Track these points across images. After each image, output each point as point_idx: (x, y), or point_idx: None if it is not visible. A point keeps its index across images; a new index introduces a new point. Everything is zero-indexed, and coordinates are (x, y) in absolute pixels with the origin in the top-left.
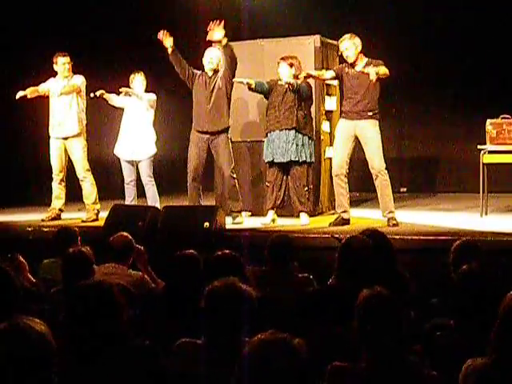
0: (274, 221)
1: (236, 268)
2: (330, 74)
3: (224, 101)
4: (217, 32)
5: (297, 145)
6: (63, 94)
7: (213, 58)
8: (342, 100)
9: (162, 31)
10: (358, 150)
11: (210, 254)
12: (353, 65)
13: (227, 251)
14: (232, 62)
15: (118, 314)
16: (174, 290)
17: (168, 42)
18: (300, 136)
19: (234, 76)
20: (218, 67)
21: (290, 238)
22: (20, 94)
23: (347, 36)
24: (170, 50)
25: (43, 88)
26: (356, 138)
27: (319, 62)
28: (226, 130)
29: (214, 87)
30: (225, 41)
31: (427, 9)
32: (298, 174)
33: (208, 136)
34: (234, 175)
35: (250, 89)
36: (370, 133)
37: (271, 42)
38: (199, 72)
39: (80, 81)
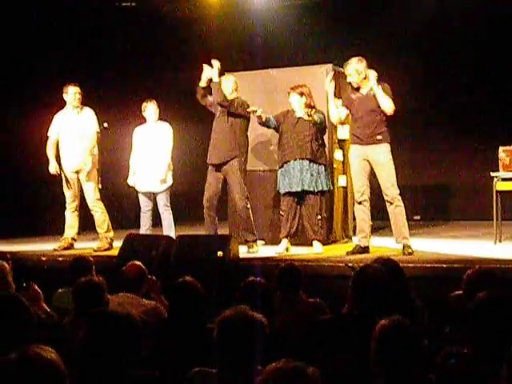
0: (287, 249)
1: (264, 295)
2: (343, 112)
3: (232, 132)
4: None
5: (311, 174)
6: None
7: (223, 87)
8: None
9: (215, 61)
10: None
11: (240, 282)
12: (358, 88)
13: (256, 279)
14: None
15: (137, 346)
16: (176, 318)
17: (209, 73)
18: (315, 166)
19: (248, 115)
20: (231, 96)
21: (298, 267)
22: (52, 168)
23: (353, 60)
24: (204, 83)
25: (54, 136)
26: (369, 162)
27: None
28: (233, 159)
29: (221, 116)
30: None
31: (439, 35)
32: (311, 202)
33: (216, 168)
34: (248, 206)
35: (259, 123)
36: (382, 159)
37: (283, 71)
38: None
39: (94, 128)
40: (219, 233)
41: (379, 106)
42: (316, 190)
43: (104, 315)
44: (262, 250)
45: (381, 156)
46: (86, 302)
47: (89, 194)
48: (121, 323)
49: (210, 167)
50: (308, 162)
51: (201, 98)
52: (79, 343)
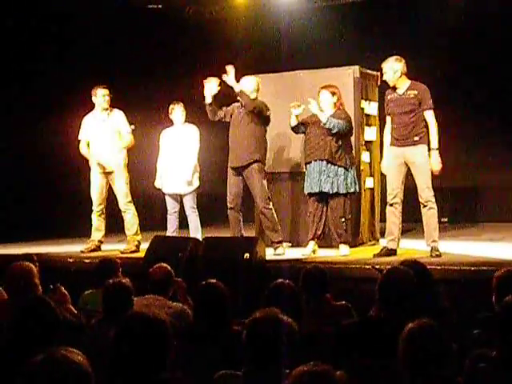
0: (314, 252)
1: (291, 298)
2: (389, 120)
3: (252, 134)
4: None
5: (328, 176)
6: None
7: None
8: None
9: (212, 78)
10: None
11: (266, 284)
12: (395, 88)
13: (285, 281)
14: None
15: (168, 349)
16: (201, 320)
17: (210, 90)
18: (333, 167)
19: (267, 118)
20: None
21: (323, 269)
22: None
23: (390, 59)
24: (208, 100)
25: (84, 138)
26: (406, 164)
27: (358, 93)
28: (254, 163)
29: (244, 120)
30: (237, 88)
31: (470, 34)
32: (334, 204)
33: (238, 171)
34: (270, 206)
35: (291, 127)
36: (418, 160)
37: (310, 73)
38: (236, 104)
39: (127, 128)
40: (246, 235)
41: (416, 107)
42: (332, 192)
43: (134, 318)
44: (289, 252)
45: (418, 157)
46: (114, 304)
47: (121, 195)
48: (151, 326)
49: (230, 169)
50: (325, 162)
51: (212, 116)
52: (109, 346)
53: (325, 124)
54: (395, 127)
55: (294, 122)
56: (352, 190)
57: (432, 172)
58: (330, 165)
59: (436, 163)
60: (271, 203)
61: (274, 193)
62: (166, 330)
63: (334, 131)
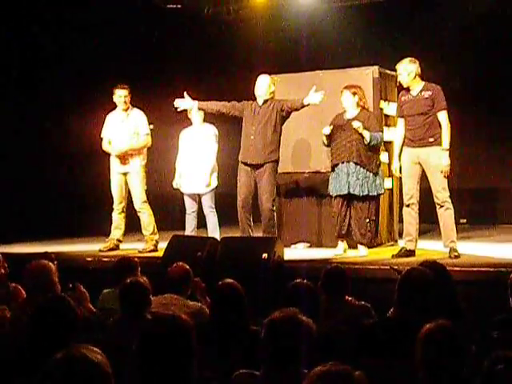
0: (345, 251)
1: (310, 298)
2: (400, 122)
3: (271, 133)
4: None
5: (358, 178)
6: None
7: (261, 85)
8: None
9: (176, 101)
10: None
11: (284, 284)
12: (408, 90)
13: (303, 280)
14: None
15: (195, 351)
16: (218, 320)
17: (184, 106)
18: (362, 170)
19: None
20: (268, 95)
21: (344, 269)
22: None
23: (405, 60)
24: (194, 108)
25: (107, 135)
26: (421, 165)
27: (378, 93)
28: (272, 162)
29: (261, 118)
30: None
31: (493, 35)
32: (360, 206)
33: (251, 168)
34: (274, 208)
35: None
36: (433, 161)
37: (330, 73)
38: (250, 101)
39: (144, 130)
40: (254, 235)
41: (430, 108)
42: (362, 195)
43: (159, 321)
44: (308, 253)
45: (432, 158)
46: (132, 303)
47: (136, 196)
48: (177, 329)
49: (242, 166)
50: (354, 164)
51: (220, 113)
52: (133, 351)
53: (369, 143)
54: (410, 128)
55: (326, 141)
56: (381, 191)
57: (442, 172)
58: (358, 167)
59: (445, 164)
60: (275, 205)
61: (294, 192)
62: (191, 331)
63: (373, 143)
